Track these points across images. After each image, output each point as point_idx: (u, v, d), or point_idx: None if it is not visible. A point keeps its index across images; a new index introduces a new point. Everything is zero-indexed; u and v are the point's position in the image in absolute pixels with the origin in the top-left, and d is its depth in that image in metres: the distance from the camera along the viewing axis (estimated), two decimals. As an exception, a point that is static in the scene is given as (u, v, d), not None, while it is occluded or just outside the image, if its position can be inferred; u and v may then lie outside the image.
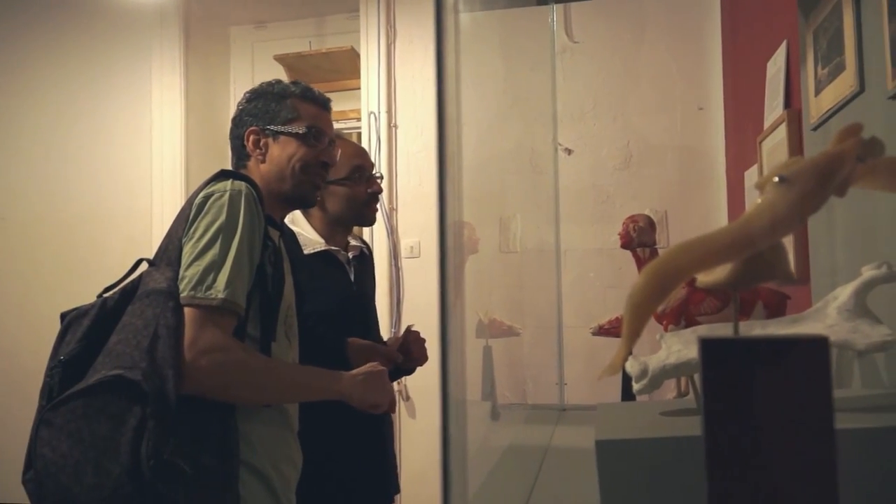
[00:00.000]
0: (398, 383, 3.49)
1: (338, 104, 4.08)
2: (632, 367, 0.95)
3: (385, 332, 3.54)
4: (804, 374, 0.50)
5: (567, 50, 3.30)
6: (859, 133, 0.64)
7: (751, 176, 2.38)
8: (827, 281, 1.50)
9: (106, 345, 1.27)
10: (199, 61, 3.90)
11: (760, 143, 2.08)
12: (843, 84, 1.40)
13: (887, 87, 1.20)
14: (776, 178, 0.60)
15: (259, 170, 1.50)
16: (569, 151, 3.25)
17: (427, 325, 3.49)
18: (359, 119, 3.74)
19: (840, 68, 1.42)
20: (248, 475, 1.32)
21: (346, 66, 3.82)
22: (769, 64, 2.07)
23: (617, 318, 1.81)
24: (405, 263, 3.54)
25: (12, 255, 3.84)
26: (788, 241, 1.65)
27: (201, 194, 1.36)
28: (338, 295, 1.96)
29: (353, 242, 1.99)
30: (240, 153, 1.53)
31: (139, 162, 3.77)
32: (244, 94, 1.57)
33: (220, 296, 1.26)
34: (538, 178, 2.80)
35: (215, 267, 1.28)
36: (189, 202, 1.37)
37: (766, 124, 2.05)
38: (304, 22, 3.97)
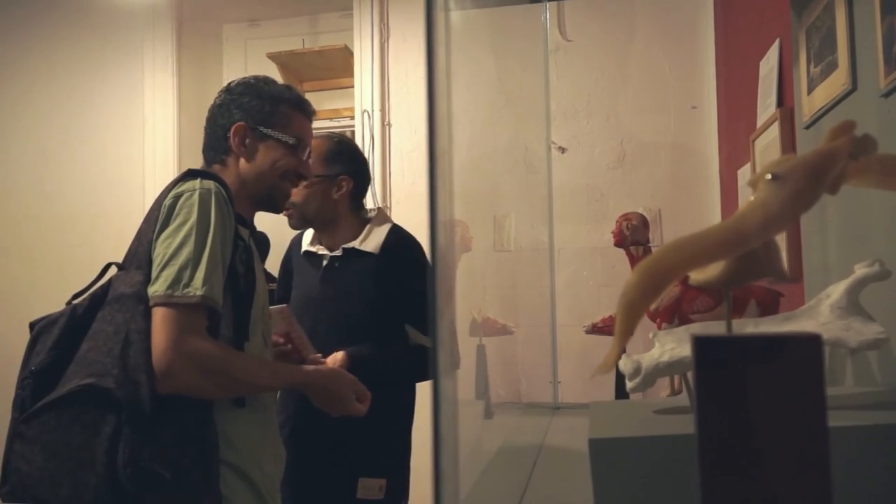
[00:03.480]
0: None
1: (331, 102, 4.09)
2: (625, 365, 0.94)
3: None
4: (797, 371, 0.50)
5: (560, 48, 3.30)
6: (852, 131, 0.64)
7: (744, 174, 2.38)
8: (820, 279, 1.50)
9: (77, 353, 1.25)
10: (192, 59, 3.89)
11: (753, 141, 2.09)
12: (836, 82, 1.40)
13: (880, 85, 1.20)
14: (769, 176, 0.60)
15: (238, 167, 1.48)
16: (562, 150, 3.25)
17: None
18: (352, 117, 3.74)
19: (833, 66, 1.42)
20: (230, 475, 1.31)
21: (340, 65, 3.81)
22: (762, 62, 2.07)
23: (610, 317, 1.81)
24: (399, 262, 3.53)
25: (4, 253, 3.82)
26: (781, 239, 1.65)
27: (171, 195, 1.35)
28: (298, 296, 1.97)
29: (347, 245, 1.99)
30: (219, 145, 1.50)
31: (132, 160, 3.75)
32: (234, 85, 1.53)
33: (199, 293, 1.24)
34: (532, 177, 2.79)
35: (191, 265, 1.26)
36: (158, 203, 1.36)
37: (759, 123, 2.05)
38: (298, 20, 3.96)
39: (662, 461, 0.78)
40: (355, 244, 1.98)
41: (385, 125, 3.58)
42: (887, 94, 1.18)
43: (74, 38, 3.88)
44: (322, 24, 3.96)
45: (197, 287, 1.24)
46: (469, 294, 1.93)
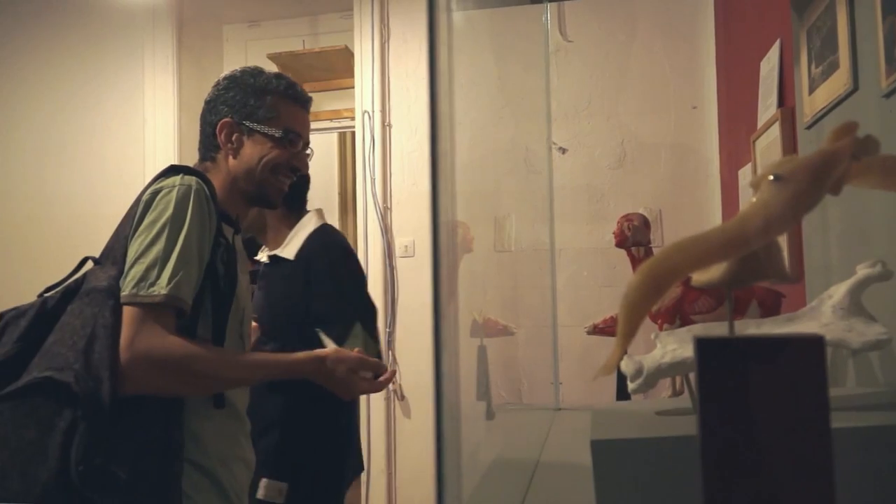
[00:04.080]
0: (392, 383, 3.48)
1: (331, 103, 4.09)
2: (627, 366, 0.94)
3: (380, 332, 3.53)
4: (800, 373, 0.50)
5: (561, 49, 3.30)
6: (854, 132, 0.64)
7: (744, 174, 2.38)
8: (821, 279, 1.50)
9: (43, 345, 1.23)
10: (192, 60, 3.89)
11: (754, 141, 2.09)
12: (837, 82, 1.40)
13: (881, 85, 1.20)
14: (771, 177, 0.60)
15: (227, 164, 1.44)
16: (563, 150, 3.25)
17: (422, 324, 3.50)
18: (352, 118, 3.74)
19: (834, 67, 1.42)
20: (197, 476, 1.28)
21: (340, 65, 3.81)
22: (763, 62, 2.07)
23: (612, 317, 1.81)
24: (399, 263, 3.53)
25: (5, 255, 3.82)
26: (783, 240, 1.65)
27: (149, 191, 1.32)
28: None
29: (272, 252, 1.96)
30: (209, 143, 1.47)
31: (132, 161, 3.76)
32: (221, 79, 1.50)
33: (163, 292, 1.21)
34: (532, 177, 2.80)
35: (159, 263, 1.23)
36: (137, 199, 1.33)
37: (760, 123, 2.05)
38: (298, 20, 3.96)
39: (664, 462, 0.77)
40: (277, 251, 1.97)
41: (385, 126, 3.58)
42: (888, 95, 1.18)
43: (75, 40, 3.88)
44: (322, 24, 3.96)
45: (162, 286, 1.21)
46: (470, 295, 1.93)
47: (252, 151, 1.43)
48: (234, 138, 1.44)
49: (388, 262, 3.53)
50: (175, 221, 1.26)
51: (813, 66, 1.56)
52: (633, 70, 3.25)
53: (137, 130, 3.78)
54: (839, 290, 0.95)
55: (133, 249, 1.26)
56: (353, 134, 3.79)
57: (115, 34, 3.84)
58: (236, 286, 1.36)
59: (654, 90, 3.22)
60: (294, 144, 1.47)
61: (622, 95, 3.25)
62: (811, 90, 1.57)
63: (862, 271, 0.95)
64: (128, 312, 1.22)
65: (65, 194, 3.80)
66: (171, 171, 1.36)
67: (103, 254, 1.34)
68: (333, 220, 5.68)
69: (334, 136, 5.56)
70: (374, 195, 3.56)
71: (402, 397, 3.49)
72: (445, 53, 0.63)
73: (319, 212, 2.14)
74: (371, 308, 2.06)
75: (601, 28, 3.32)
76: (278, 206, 1.53)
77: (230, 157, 1.44)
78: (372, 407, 3.54)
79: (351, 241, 5.83)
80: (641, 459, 0.79)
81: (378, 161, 3.56)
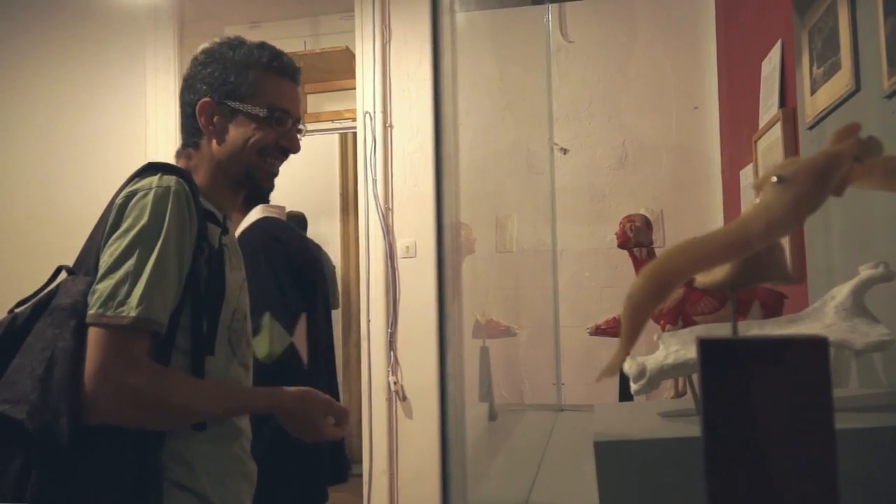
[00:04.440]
0: (394, 383, 3.48)
1: (333, 104, 4.09)
2: (630, 367, 0.94)
3: (382, 332, 3.53)
4: (803, 374, 0.50)
5: (562, 49, 3.30)
6: (857, 133, 0.64)
7: (746, 175, 2.38)
8: (824, 280, 1.50)
9: (7, 370, 1.11)
10: (194, 62, 3.90)
11: (755, 142, 2.09)
12: (839, 83, 1.40)
13: (883, 86, 1.20)
14: (774, 179, 0.60)
15: (211, 149, 1.30)
16: (564, 151, 3.25)
17: (423, 325, 3.50)
18: (354, 119, 3.74)
19: (836, 67, 1.42)
20: (186, 498, 1.17)
21: (341, 66, 3.81)
22: (764, 63, 2.07)
23: (614, 318, 1.81)
24: (401, 263, 3.53)
25: (6, 255, 3.83)
26: (785, 241, 1.65)
27: (124, 193, 1.19)
28: None
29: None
30: (190, 127, 1.32)
31: (134, 162, 3.70)
32: (199, 53, 1.34)
33: (132, 313, 1.08)
34: (534, 178, 2.79)
35: (130, 279, 1.10)
36: (111, 202, 1.21)
37: (762, 123, 2.05)
38: (299, 21, 3.96)
39: (668, 463, 0.78)
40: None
41: (387, 127, 3.59)
42: (891, 96, 1.18)
43: (77, 41, 3.89)
44: (323, 25, 3.96)
45: (132, 306, 1.09)
46: (472, 296, 1.93)
47: (236, 133, 1.29)
48: (215, 120, 1.30)
49: (389, 263, 3.53)
50: (150, 230, 1.14)
51: (814, 67, 1.56)
52: (634, 71, 3.25)
53: (139, 131, 3.78)
54: (842, 291, 0.95)
55: (103, 261, 1.13)
56: (355, 135, 3.79)
57: (116, 35, 3.84)
58: (224, 294, 1.23)
59: (655, 91, 3.22)
60: (282, 123, 1.31)
61: (623, 96, 3.26)
62: (813, 91, 1.57)
63: (865, 272, 0.95)
64: (93, 335, 1.09)
65: (67, 195, 3.80)
66: (149, 169, 1.23)
67: (76, 263, 1.22)
68: (334, 221, 5.69)
69: (335, 137, 5.57)
70: (375, 196, 3.56)
71: (404, 398, 3.50)
72: (449, 55, 0.63)
73: (265, 207, 2.13)
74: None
75: (602, 29, 3.32)
76: (271, 191, 1.38)
77: (213, 142, 1.30)
78: (373, 408, 3.54)
79: (352, 242, 5.82)
80: (645, 460, 0.79)
81: (379, 162, 3.56)
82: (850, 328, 0.89)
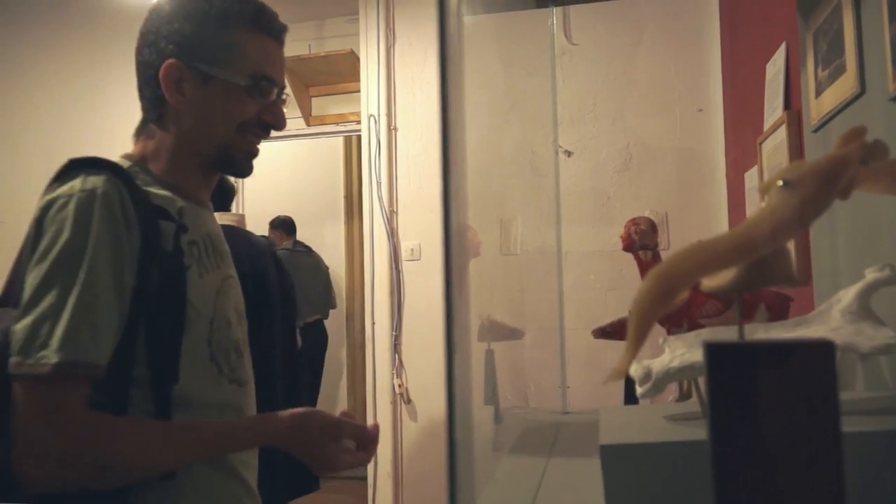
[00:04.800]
0: (399, 386, 3.48)
1: (337, 107, 4.10)
2: (635, 370, 0.94)
3: (386, 335, 3.54)
4: (809, 377, 0.50)
5: (566, 52, 3.30)
6: (863, 136, 0.64)
7: (751, 177, 2.38)
8: (829, 283, 1.50)
9: None
10: (199, 65, 3.91)
11: (760, 144, 2.08)
12: (844, 86, 1.40)
13: (888, 88, 1.20)
14: (780, 183, 0.60)
15: (179, 124, 1.07)
16: (569, 154, 3.25)
17: (428, 327, 3.51)
18: (358, 122, 3.75)
19: (840, 70, 1.42)
20: None
21: (346, 70, 3.82)
22: (768, 65, 2.07)
23: (619, 321, 1.81)
24: (405, 266, 3.54)
25: (12, 258, 3.84)
26: (791, 244, 1.65)
27: (39, 204, 0.98)
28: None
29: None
30: (151, 96, 1.08)
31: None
32: (158, 4, 1.09)
33: (53, 359, 0.87)
34: (538, 181, 2.80)
35: (50, 315, 0.89)
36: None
37: (766, 126, 2.05)
38: (304, 25, 3.97)
39: (674, 467, 0.78)
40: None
41: (391, 129, 3.59)
42: (896, 98, 1.18)
43: (82, 44, 3.91)
44: (328, 29, 3.97)
45: (53, 349, 0.88)
46: (478, 298, 1.93)
47: (209, 104, 1.06)
48: (184, 88, 1.06)
49: (393, 266, 3.54)
50: (73, 248, 0.93)
51: (819, 70, 1.55)
52: (638, 73, 3.25)
53: (144, 135, 3.80)
54: (848, 294, 0.94)
55: (25, 293, 0.92)
56: (359, 138, 3.80)
57: (123, 38, 3.84)
58: (185, 306, 1.01)
59: (659, 93, 3.22)
60: (266, 93, 1.09)
61: (628, 98, 3.26)
62: (818, 93, 1.57)
63: (870, 275, 0.95)
64: (15, 390, 0.89)
65: (72, 199, 3.82)
66: (72, 168, 1.01)
67: (5, 291, 1.03)
68: (339, 224, 5.70)
69: (340, 140, 5.58)
70: (379, 199, 3.57)
71: (409, 401, 3.50)
72: (456, 59, 0.64)
73: (222, 214, 2.08)
74: None
75: (606, 31, 3.32)
76: (249, 173, 1.14)
77: (181, 115, 1.07)
78: (378, 410, 3.54)
79: (356, 245, 5.84)
80: (651, 464, 0.79)
81: (384, 165, 3.57)
82: (855, 331, 0.89)
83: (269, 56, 1.10)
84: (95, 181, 0.98)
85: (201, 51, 1.05)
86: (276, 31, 1.13)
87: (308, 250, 5.06)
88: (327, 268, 5.13)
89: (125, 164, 1.08)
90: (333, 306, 5.15)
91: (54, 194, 0.98)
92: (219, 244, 1.13)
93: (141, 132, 1.12)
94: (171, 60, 1.04)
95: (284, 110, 1.15)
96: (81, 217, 0.94)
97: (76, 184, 0.97)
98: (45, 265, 0.92)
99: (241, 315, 1.16)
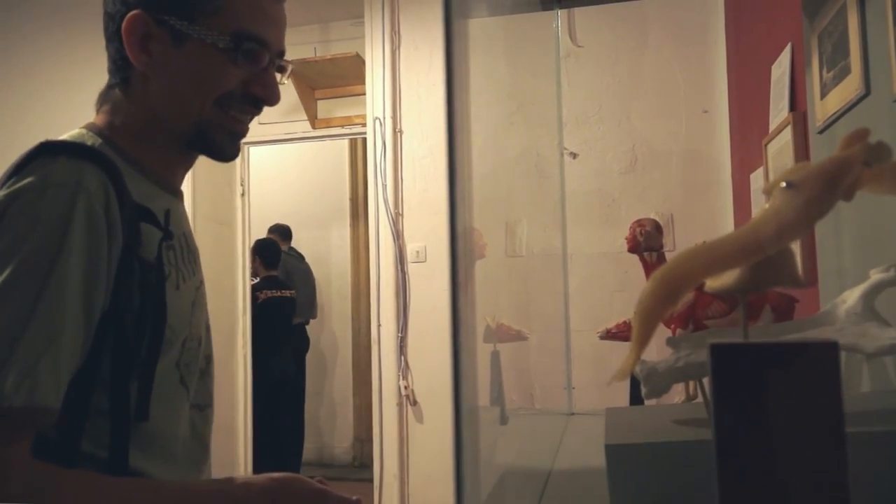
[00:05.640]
0: (405, 388, 3.49)
1: (343, 110, 4.11)
2: (640, 371, 0.95)
3: (392, 337, 3.54)
4: (814, 378, 0.51)
5: (571, 54, 3.31)
6: (866, 138, 0.65)
7: (756, 178, 2.38)
8: (835, 284, 1.50)
9: None
10: (205, 68, 3.92)
11: (766, 145, 2.08)
12: (849, 87, 1.40)
13: (893, 90, 1.20)
14: (784, 184, 0.61)
15: (146, 90, 0.88)
16: (574, 156, 3.25)
17: (434, 329, 3.51)
18: (364, 125, 3.76)
19: (845, 72, 1.42)
20: None
21: (351, 72, 3.83)
22: (773, 66, 2.07)
23: (624, 322, 1.81)
24: (411, 268, 3.54)
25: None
26: (796, 244, 1.65)
27: (1, 195, 0.78)
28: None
29: None
30: (116, 55, 0.89)
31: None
32: None
33: (3, 404, 0.71)
34: (544, 183, 2.80)
35: (4, 346, 0.72)
36: None
37: (772, 127, 2.05)
38: (309, 28, 3.99)
39: (679, 467, 0.78)
40: None
41: (397, 132, 3.60)
42: (901, 99, 1.18)
43: (85, 44, 3.90)
44: (334, 32, 3.98)
45: (5, 392, 0.71)
46: (483, 300, 1.94)
47: (183, 68, 0.87)
48: (151, 48, 0.86)
49: (399, 268, 3.54)
50: (38, 260, 0.74)
51: (824, 71, 1.56)
52: (643, 75, 3.26)
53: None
54: (852, 295, 0.95)
55: None
56: (365, 140, 3.81)
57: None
58: (164, 330, 0.85)
59: (665, 95, 3.22)
60: (254, 58, 0.89)
61: (633, 100, 3.26)
62: (823, 95, 1.57)
63: (875, 276, 0.95)
64: None
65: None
66: (41, 152, 0.80)
67: None
68: (344, 226, 5.71)
69: (345, 143, 5.59)
70: (385, 201, 3.58)
71: (415, 402, 3.50)
72: (461, 61, 0.64)
73: None
74: None
75: (612, 33, 3.32)
76: (235, 156, 0.96)
77: (149, 79, 0.88)
78: (384, 412, 3.55)
79: (362, 247, 5.91)
80: (656, 464, 0.79)
81: (389, 167, 3.57)
82: (860, 332, 0.89)
83: (260, 11, 0.89)
84: (76, 171, 0.79)
85: (173, 1, 0.86)
86: None
87: (300, 257, 5.29)
88: (312, 277, 5.39)
89: (92, 140, 0.87)
90: (314, 316, 5.43)
91: (18, 186, 0.77)
92: (192, 243, 0.98)
93: (104, 100, 0.93)
94: (135, 12, 0.85)
95: (283, 81, 0.95)
96: (56, 219, 0.76)
97: (49, 174, 0.78)
98: (1, 276, 0.74)
99: (209, 329, 1.00)
